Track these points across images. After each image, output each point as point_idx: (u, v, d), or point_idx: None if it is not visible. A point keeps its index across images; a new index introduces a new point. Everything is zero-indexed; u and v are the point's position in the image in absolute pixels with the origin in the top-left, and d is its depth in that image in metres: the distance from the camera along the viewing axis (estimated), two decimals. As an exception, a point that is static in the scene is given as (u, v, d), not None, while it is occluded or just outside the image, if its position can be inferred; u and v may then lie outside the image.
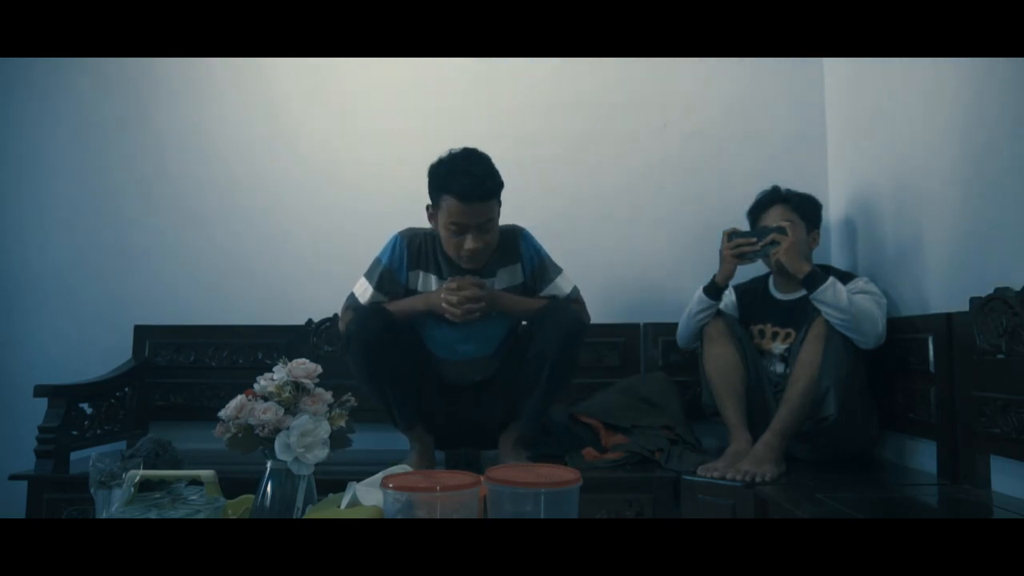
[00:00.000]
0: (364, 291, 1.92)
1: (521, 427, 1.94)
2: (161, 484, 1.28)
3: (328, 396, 1.27)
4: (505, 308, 1.91)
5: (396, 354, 1.85)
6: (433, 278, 1.92)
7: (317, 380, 1.27)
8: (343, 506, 1.23)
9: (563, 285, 1.97)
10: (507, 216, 1.93)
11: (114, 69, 2.64)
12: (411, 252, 1.92)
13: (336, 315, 2.03)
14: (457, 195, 1.75)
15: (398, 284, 1.92)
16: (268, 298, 2.55)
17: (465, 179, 1.75)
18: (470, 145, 1.85)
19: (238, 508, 1.28)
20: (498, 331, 1.98)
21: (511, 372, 1.96)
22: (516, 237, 1.95)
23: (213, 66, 2.65)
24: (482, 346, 1.97)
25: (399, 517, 1.06)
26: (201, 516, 1.23)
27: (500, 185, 1.81)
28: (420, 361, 1.97)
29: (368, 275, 1.93)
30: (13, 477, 1.96)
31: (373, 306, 1.88)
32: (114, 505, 1.27)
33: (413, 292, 1.94)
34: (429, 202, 1.87)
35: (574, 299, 1.99)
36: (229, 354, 2.48)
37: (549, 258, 1.99)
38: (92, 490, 1.33)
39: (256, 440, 1.20)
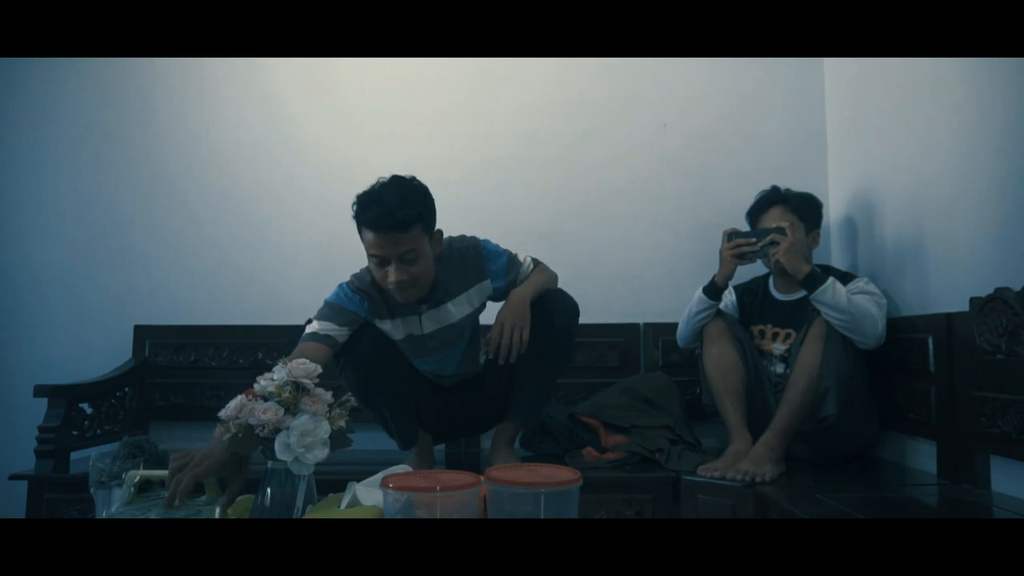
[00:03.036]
0: (317, 326, 1.77)
1: (517, 421, 1.93)
2: (161, 484, 1.29)
3: (328, 396, 1.26)
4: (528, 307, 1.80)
5: (390, 368, 1.82)
6: (399, 323, 1.84)
7: (317, 380, 1.27)
8: (343, 506, 1.23)
9: (528, 265, 1.89)
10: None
11: (114, 69, 2.64)
12: (369, 303, 1.81)
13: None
14: (369, 225, 1.65)
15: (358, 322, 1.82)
16: (268, 298, 2.55)
17: (376, 208, 1.62)
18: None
19: (238, 508, 1.28)
20: (479, 351, 1.97)
21: (506, 367, 1.95)
22: (476, 253, 1.85)
23: (213, 66, 2.65)
24: (468, 366, 1.96)
25: (399, 517, 1.06)
26: (201, 516, 1.23)
27: (419, 214, 1.66)
28: (413, 372, 1.94)
29: (320, 316, 1.78)
30: (13, 477, 1.97)
31: (363, 323, 1.81)
32: (114, 505, 1.28)
33: None
34: None
35: (541, 268, 1.90)
36: (229, 354, 2.48)
37: (508, 252, 1.89)
38: (92, 490, 1.33)
39: (256, 440, 1.20)
